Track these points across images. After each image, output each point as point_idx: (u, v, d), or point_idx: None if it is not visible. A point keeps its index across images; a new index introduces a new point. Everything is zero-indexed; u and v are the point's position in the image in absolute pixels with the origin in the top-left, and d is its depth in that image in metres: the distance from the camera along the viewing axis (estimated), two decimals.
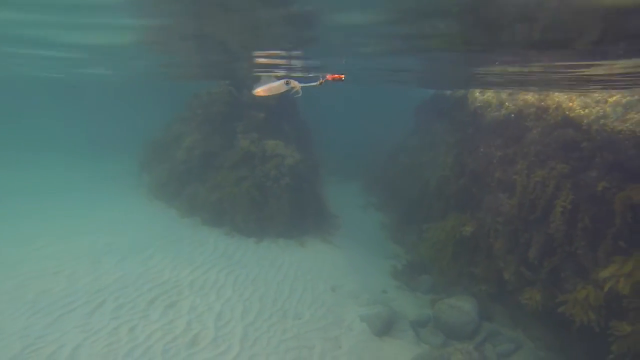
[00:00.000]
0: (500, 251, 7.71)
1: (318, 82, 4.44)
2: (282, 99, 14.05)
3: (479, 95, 10.31)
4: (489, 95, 9.93)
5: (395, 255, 11.80)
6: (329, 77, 4.55)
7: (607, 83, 6.66)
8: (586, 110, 6.80)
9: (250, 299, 8.66)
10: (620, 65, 4.96)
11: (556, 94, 7.86)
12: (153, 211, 13.76)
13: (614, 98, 6.18)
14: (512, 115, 8.91)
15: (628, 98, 5.91)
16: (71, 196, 14.62)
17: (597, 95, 6.98)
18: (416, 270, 10.74)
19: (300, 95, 4.51)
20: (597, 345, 5.86)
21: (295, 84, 4.41)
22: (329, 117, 23.80)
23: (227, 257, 10.51)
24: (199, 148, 14.41)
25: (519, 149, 8.39)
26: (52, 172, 18.01)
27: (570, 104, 7.26)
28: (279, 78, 4.50)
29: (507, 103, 9.11)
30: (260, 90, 4.47)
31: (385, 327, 8.36)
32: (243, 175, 12.77)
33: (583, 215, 5.91)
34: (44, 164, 19.46)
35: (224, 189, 12.91)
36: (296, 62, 8.10)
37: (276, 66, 8.84)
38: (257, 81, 4.60)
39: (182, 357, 6.78)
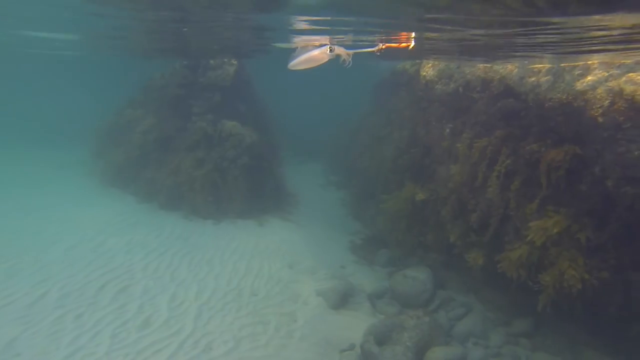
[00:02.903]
0: (446, 218, 7.97)
1: (376, 48, 3.80)
2: (237, 80, 13.77)
3: (430, 70, 10.43)
4: (440, 68, 10.07)
5: (355, 231, 11.97)
6: (392, 45, 3.98)
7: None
8: (523, 80, 7.03)
9: (205, 279, 8.58)
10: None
11: (500, 64, 8.05)
12: (108, 198, 13.29)
13: (546, 68, 6.40)
14: (460, 88, 9.10)
15: (556, 67, 6.13)
16: (16, 189, 13.80)
17: (535, 65, 7.20)
18: (375, 244, 10.95)
19: (350, 65, 3.63)
20: (536, 300, 6.22)
21: (341, 50, 3.57)
22: (290, 97, 23.48)
23: (183, 240, 10.34)
24: (155, 132, 14.02)
25: (467, 119, 8.61)
26: None
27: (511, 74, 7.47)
28: (318, 46, 3.67)
29: (456, 76, 9.28)
30: (297, 63, 3.68)
31: (341, 300, 8.49)
32: (200, 157, 12.54)
33: (516, 179, 6.18)
34: None
35: (181, 172, 12.66)
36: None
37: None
38: (293, 52, 3.80)
39: (132, 339, 6.66)
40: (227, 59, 13.78)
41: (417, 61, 11.79)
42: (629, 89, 4.49)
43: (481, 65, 8.67)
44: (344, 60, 3.61)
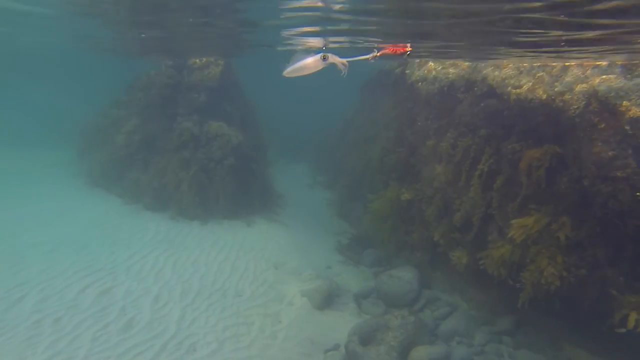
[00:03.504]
0: (431, 217, 8.02)
1: (371, 55, 3.68)
2: (223, 81, 13.68)
3: (415, 70, 10.48)
4: (425, 69, 10.13)
5: (342, 231, 11.97)
6: (389, 49, 3.86)
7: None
8: (505, 81, 7.10)
9: (189, 280, 8.50)
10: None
11: (484, 65, 8.12)
12: (92, 199, 13.11)
13: (526, 69, 6.47)
14: (445, 88, 9.16)
15: (536, 69, 6.21)
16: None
17: (515, 66, 7.28)
18: (361, 244, 10.96)
19: (345, 74, 3.55)
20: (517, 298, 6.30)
21: (335, 58, 3.49)
22: (277, 97, 23.36)
23: (169, 241, 10.23)
24: (140, 132, 13.86)
25: (452, 119, 8.67)
26: None
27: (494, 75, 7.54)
28: (314, 52, 3.61)
29: (440, 76, 9.34)
30: (291, 70, 3.61)
31: (326, 301, 8.48)
32: (186, 158, 12.42)
33: (499, 178, 6.25)
34: None
35: (166, 173, 12.54)
36: None
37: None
38: (288, 60, 3.72)
39: (113, 342, 6.56)
40: (214, 58, 13.70)
41: (404, 61, 11.85)
42: (602, 90, 4.57)
43: (465, 65, 8.74)
44: (340, 69, 3.56)
